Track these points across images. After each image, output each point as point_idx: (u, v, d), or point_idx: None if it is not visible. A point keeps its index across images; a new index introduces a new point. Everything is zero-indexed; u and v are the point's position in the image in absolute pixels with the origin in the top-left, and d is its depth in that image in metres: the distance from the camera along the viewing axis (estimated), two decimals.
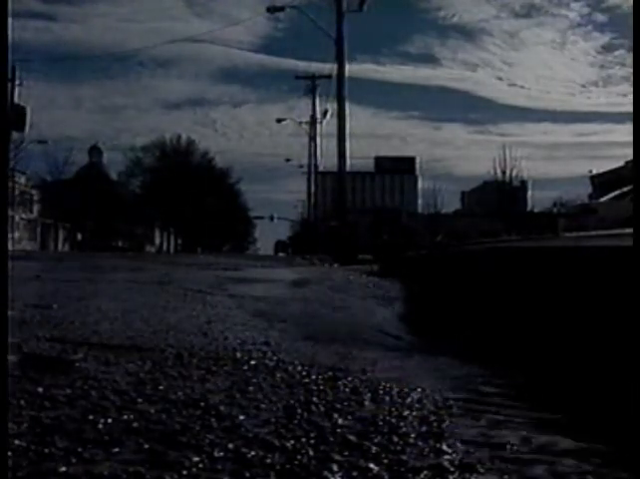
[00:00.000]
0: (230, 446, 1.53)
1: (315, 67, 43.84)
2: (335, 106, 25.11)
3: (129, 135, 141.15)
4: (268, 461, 1.45)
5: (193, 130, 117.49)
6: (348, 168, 25.45)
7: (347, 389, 2.19)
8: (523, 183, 51.36)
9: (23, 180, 56.84)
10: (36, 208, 62.09)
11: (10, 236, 47.24)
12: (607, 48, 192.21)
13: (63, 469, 1.35)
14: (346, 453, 1.53)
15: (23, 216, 58.73)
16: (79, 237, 63.09)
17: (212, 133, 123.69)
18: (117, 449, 1.48)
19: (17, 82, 40.11)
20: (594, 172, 37.66)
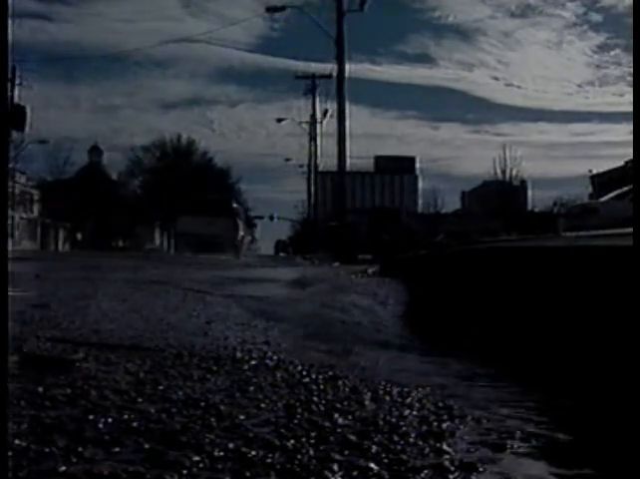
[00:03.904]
0: (231, 446, 1.53)
1: (312, 67, 43.86)
2: (334, 106, 25.12)
3: (126, 135, 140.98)
4: (269, 461, 1.45)
5: (191, 129, 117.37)
6: (348, 167, 25.47)
7: (347, 389, 2.18)
8: (523, 182, 51.42)
9: (23, 180, 56.77)
10: (36, 207, 61.97)
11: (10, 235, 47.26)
12: (603, 48, 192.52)
13: (63, 468, 1.35)
14: (346, 452, 1.53)
15: (23, 215, 58.64)
16: (79, 236, 62.99)
17: (210, 132, 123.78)
18: (117, 449, 1.48)
19: (17, 82, 40.15)
20: (594, 172, 37.67)
